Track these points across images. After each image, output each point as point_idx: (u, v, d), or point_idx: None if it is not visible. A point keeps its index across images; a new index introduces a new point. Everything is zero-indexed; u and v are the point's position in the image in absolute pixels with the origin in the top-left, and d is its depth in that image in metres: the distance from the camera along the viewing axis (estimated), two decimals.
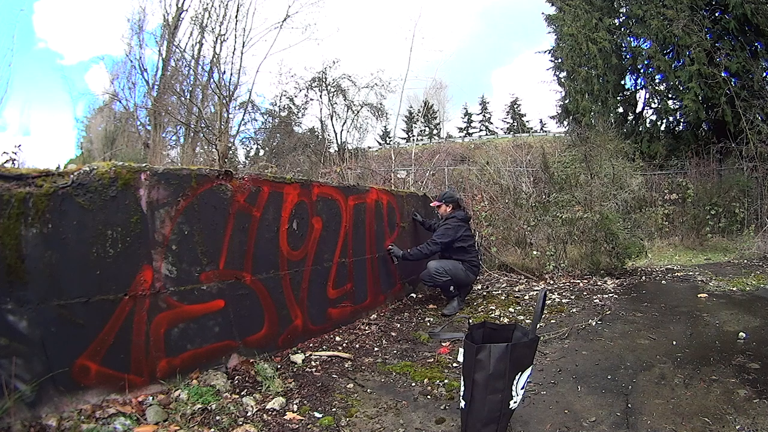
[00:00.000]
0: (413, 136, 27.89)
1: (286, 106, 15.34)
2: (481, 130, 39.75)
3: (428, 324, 3.39)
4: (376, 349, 2.83)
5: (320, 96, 15.10)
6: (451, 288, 3.68)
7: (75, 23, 30.57)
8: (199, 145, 12.33)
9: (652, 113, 12.37)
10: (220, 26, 11.89)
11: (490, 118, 41.07)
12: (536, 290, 4.30)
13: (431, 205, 4.03)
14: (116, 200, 1.86)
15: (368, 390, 2.23)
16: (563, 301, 3.91)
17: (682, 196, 8.16)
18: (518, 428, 1.83)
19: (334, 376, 2.38)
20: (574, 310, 3.61)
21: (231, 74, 11.43)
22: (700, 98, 10.11)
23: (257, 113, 14.52)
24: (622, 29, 12.30)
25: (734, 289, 4.09)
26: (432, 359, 2.63)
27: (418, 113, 28.14)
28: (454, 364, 2.51)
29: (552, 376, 2.33)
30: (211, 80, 12.25)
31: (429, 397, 2.15)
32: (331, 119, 15.46)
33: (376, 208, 3.61)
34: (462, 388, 1.72)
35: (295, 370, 2.39)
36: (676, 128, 11.86)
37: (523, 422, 1.87)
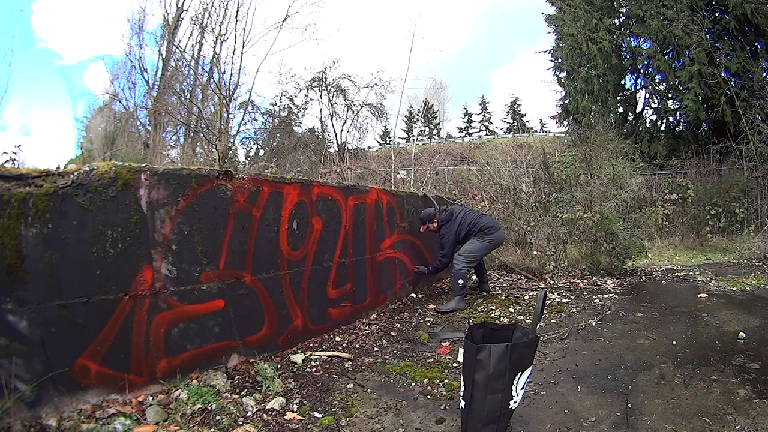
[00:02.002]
0: (413, 136, 27.91)
1: (286, 106, 15.35)
2: (481, 130, 39.73)
3: (428, 324, 3.39)
4: (376, 349, 2.83)
5: (320, 96, 15.12)
6: (460, 281, 3.71)
7: (74, 23, 30.55)
8: (199, 145, 12.33)
9: (652, 113, 12.38)
10: (220, 26, 11.89)
11: (490, 118, 41.06)
12: (536, 290, 4.30)
13: (421, 230, 4.02)
14: (116, 200, 1.86)
15: (368, 390, 2.23)
16: (563, 301, 3.91)
17: (682, 196, 8.16)
18: (518, 428, 1.83)
19: (334, 376, 2.38)
20: (574, 310, 3.61)
21: (231, 74, 11.44)
22: (700, 98, 10.11)
23: (257, 113, 14.53)
24: (622, 29, 12.30)
25: (734, 289, 4.09)
26: (432, 359, 2.63)
27: (418, 113, 28.14)
28: (454, 364, 2.51)
29: (552, 376, 2.33)
30: (211, 80, 12.26)
31: (429, 397, 2.15)
32: (331, 119, 15.47)
33: (376, 208, 3.61)
34: (462, 388, 1.72)
35: (295, 370, 2.39)
36: (676, 128, 11.86)
37: (523, 422, 1.87)
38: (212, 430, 1.75)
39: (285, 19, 11.51)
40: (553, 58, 13.66)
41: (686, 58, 10.33)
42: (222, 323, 2.25)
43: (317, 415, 1.94)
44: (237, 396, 2.02)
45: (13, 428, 1.50)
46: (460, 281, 3.72)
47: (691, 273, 5.02)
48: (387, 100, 16.59)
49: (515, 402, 1.69)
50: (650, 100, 12.25)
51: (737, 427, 1.73)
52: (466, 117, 41.15)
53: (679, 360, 2.46)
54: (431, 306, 3.87)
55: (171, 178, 2.05)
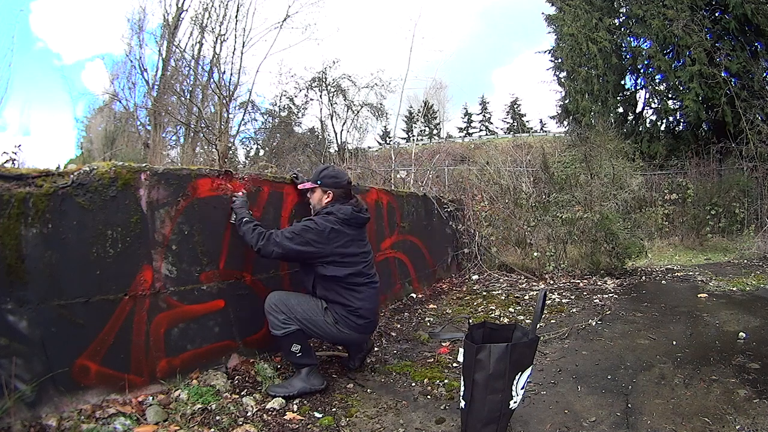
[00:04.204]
0: (413, 136, 27.87)
1: (286, 106, 15.34)
2: (481, 130, 39.79)
3: (428, 324, 3.39)
4: (375, 349, 2.83)
5: (320, 96, 15.10)
6: (293, 348, 2.11)
7: (72, 23, 30.58)
8: (199, 145, 12.33)
9: (652, 113, 12.40)
10: (220, 26, 11.91)
11: (490, 118, 41.15)
12: (536, 290, 4.30)
13: (299, 187, 2.54)
14: (116, 200, 1.86)
15: (368, 390, 2.23)
16: (563, 301, 3.90)
17: (682, 196, 8.16)
18: (518, 428, 1.83)
19: (334, 376, 2.38)
20: (574, 310, 3.61)
21: (231, 74, 11.46)
22: (700, 98, 10.12)
23: (257, 113, 14.51)
24: (622, 29, 12.31)
25: (734, 289, 4.09)
26: (432, 359, 2.63)
27: (418, 113, 28.14)
28: (454, 364, 2.51)
29: (552, 376, 2.34)
30: (211, 80, 12.27)
31: (429, 397, 2.15)
32: (331, 119, 15.46)
33: (376, 208, 3.61)
34: (462, 388, 1.72)
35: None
36: (676, 128, 11.87)
37: (523, 422, 1.87)
38: (212, 430, 1.75)
39: (285, 19, 11.54)
40: (553, 58, 13.67)
41: (686, 58, 10.33)
42: (222, 323, 2.25)
43: (317, 415, 1.94)
44: (237, 396, 2.02)
45: (13, 428, 1.50)
46: (293, 347, 2.12)
47: (691, 273, 5.02)
48: (387, 100, 16.57)
49: (515, 402, 1.69)
50: (650, 100, 12.27)
51: (737, 427, 1.73)
52: (466, 117, 41.23)
53: (679, 360, 2.46)
54: (431, 306, 3.87)
55: (171, 178, 2.05)
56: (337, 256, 2.13)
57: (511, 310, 3.68)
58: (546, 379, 2.30)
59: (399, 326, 3.29)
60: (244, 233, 2.13)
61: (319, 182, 2.27)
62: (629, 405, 1.97)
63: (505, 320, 3.41)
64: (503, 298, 4.09)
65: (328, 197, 2.26)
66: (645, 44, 11.45)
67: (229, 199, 2.28)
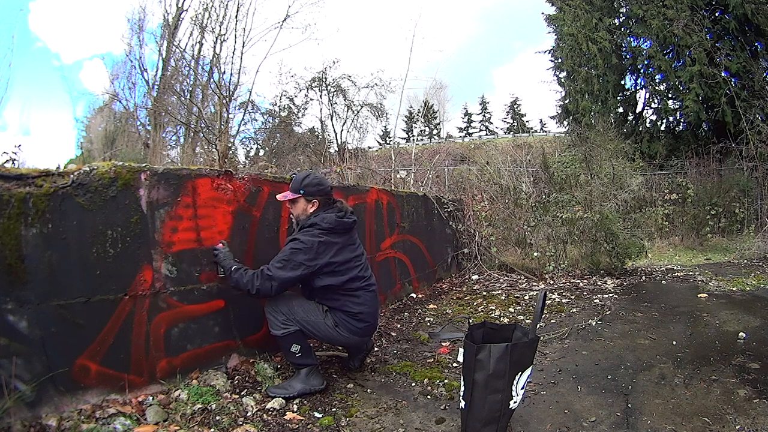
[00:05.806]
0: (413, 136, 27.86)
1: (286, 106, 15.38)
2: (481, 130, 39.80)
3: (428, 324, 3.39)
4: (376, 349, 2.83)
5: (320, 96, 15.15)
6: (293, 348, 2.10)
7: (72, 22, 30.52)
8: (199, 145, 12.33)
9: (652, 113, 12.40)
10: (220, 26, 11.94)
11: (490, 118, 41.17)
12: (536, 290, 4.30)
13: (278, 198, 2.30)
14: (116, 200, 1.86)
15: (368, 390, 2.23)
16: (563, 301, 3.90)
17: (682, 196, 8.16)
18: (518, 428, 1.83)
19: (334, 376, 2.38)
20: (574, 310, 3.61)
21: (231, 74, 11.48)
22: (700, 98, 10.12)
23: (257, 113, 14.55)
24: (622, 29, 12.32)
25: (734, 289, 4.09)
26: (432, 359, 2.63)
27: (418, 113, 28.14)
28: (454, 364, 2.51)
29: (552, 376, 2.33)
30: (211, 80, 12.29)
31: (429, 397, 2.15)
32: (331, 119, 15.50)
33: (376, 208, 3.61)
34: (462, 388, 1.72)
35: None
36: (676, 128, 11.87)
37: (523, 422, 1.87)
38: (212, 430, 1.75)
39: (285, 19, 11.58)
40: (553, 58, 13.68)
41: (686, 58, 10.34)
42: (222, 323, 2.25)
43: (317, 415, 1.94)
44: (237, 396, 2.02)
45: (13, 428, 1.50)
46: (293, 347, 2.11)
47: (691, 273, 5.02)
48: (387, 100, 16.61)
49: (515, 402, 1.69)
50: (650, 100, 12.27)
51: (737, 427, 1.73)
52: (466, 117, 41.25)
53: (679, 360, 2.46)
54: (431, 306, 3.87)
55: (171, 178, 2.05)
56: (330, 266, 2.09)
57: (511, 310, 3.68)
58: (546, 379, 2.30)
59: (399, 326, 3.29)
60: (237, 281, 2.04)
61: (301, 191, 2.15)
62: (629, 405, 1.97)
63: (505, 320, 3.41)
64: (503, 298, 4.09)
65: (312, 206, 2.17)
66: (645, 44, 11.46)
67: (210, 252, 2.17)
